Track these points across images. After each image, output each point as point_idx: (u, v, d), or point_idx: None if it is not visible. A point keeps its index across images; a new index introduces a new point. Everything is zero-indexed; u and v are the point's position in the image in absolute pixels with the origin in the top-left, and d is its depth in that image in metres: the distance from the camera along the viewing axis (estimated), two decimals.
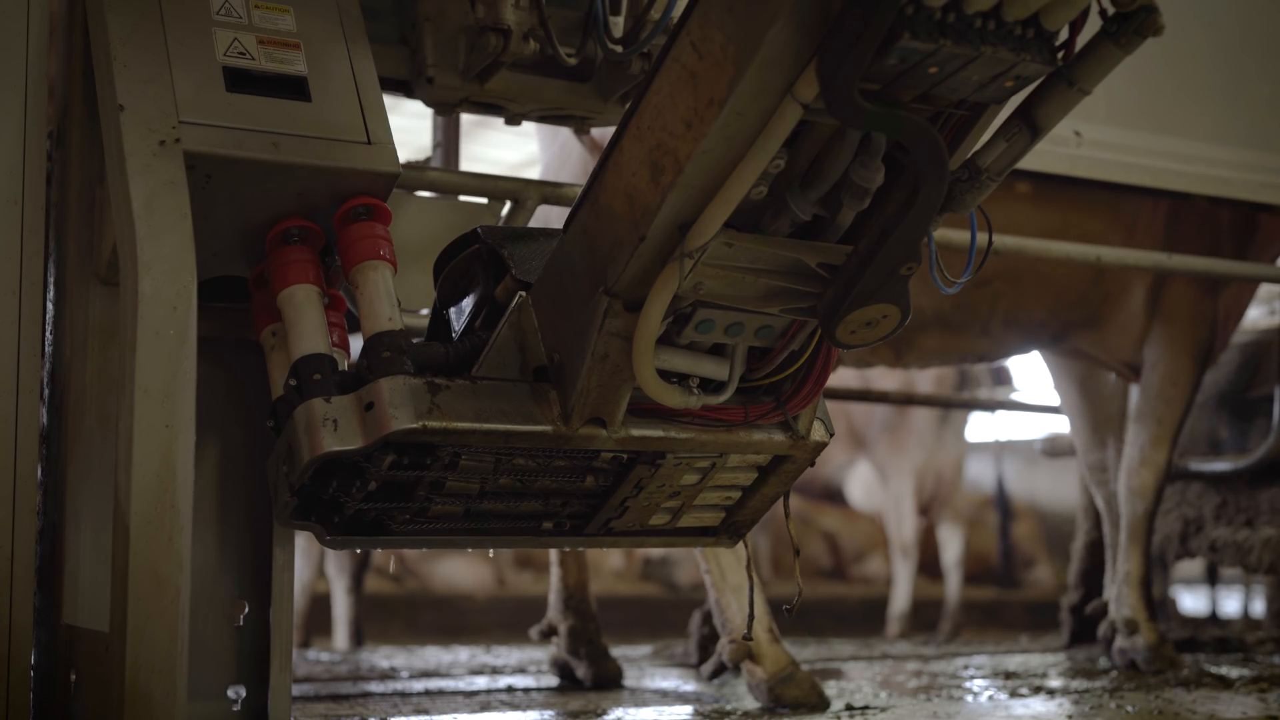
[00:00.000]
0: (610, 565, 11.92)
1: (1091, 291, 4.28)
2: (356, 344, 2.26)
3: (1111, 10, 1.81)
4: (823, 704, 3.40)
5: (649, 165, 1.94)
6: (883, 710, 3.35)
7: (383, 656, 5.16)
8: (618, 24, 2.73)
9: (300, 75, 2.32)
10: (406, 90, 2.79)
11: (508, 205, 2.95)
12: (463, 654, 5.22)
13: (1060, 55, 1.80)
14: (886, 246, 1.89)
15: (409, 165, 2.84)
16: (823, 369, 2.20)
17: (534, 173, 4.29)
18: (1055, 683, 4.03)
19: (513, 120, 2.95)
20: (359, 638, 6.31)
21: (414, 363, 2.11)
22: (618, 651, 4.94)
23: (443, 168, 3.20)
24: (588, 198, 2.06)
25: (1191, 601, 11.67)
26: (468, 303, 2.32)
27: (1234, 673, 4.27)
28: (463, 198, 2.95)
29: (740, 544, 2.48)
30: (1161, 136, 3.67)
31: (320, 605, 8.32)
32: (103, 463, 2.40)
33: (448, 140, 3.62)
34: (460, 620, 11.11)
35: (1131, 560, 4.45)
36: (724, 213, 1.90)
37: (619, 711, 3.37)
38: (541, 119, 2.95)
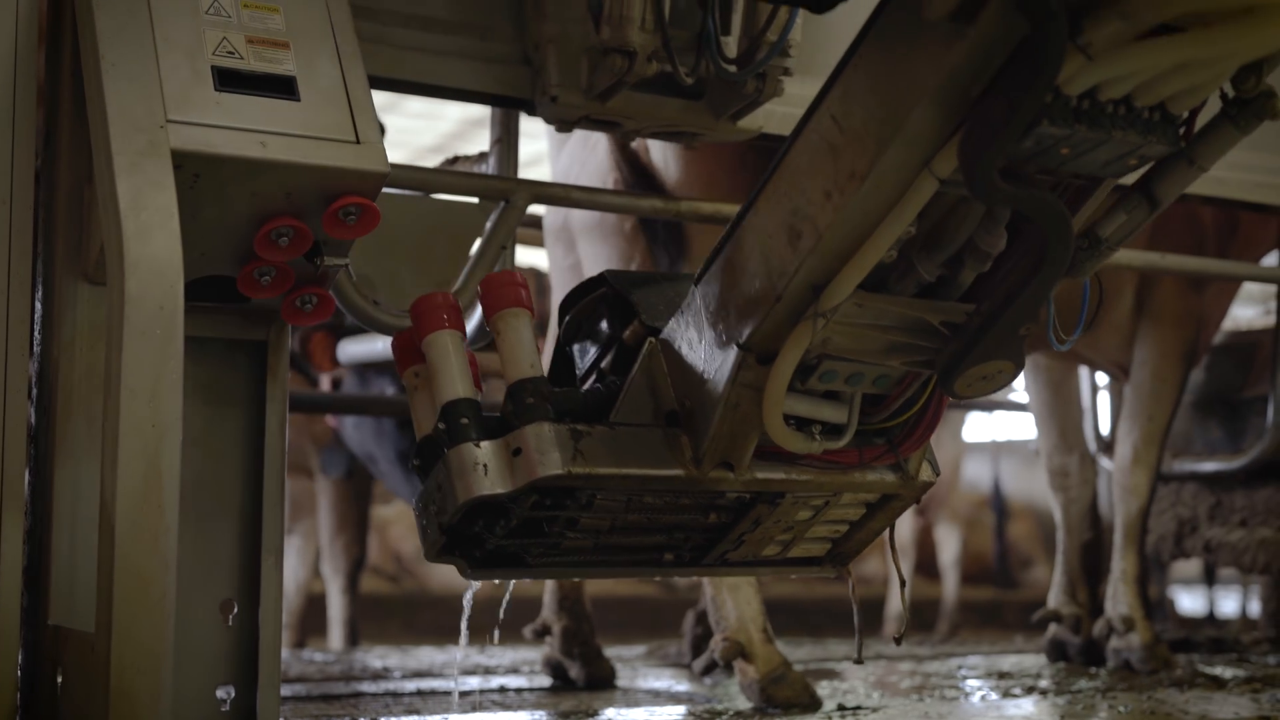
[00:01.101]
0: None
1: (1081, 289, 4.25)
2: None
3: (1232, 94, 1.92)
4: (815, 704, 3.40)
5: (786, 230, 2.08)
6: (874, 710, 3.34)
7: (376, 656, 5.16)
8: (727, 43, 2.85)
9: (289, 75, 2.31)
10: (529, 108, 2.94)
11: (501, 205, 2.94)
12: (456, 654, 5.21)
13: (1181, 135, 1.93)
14: (1009, 310, 2.05)
15: (398, 165, 2.83)
16: (934, 416, 2.34)
17: (543, 171, 4.26)
18: (1047, 683, 4.03)
19: (627, 136, 3.10)
20: (354, 637, 6.31)
21: (554, 408, 2.22)
22: (612, 652, 4.94)
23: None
24: (721, 254, 2.21)
25: (1190, 601, 11.68)
26: (593, 343, 2.45)
27: (1228, 673, 4.27)
28: (454, 197, 2.95)
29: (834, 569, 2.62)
30: None
31: (317, 605, 8.33)
32: (90, 463, 2.40)
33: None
34: (458, 620, 11.12)
35: (1127, 559, 4.45)
36: (858, 277, 2.03)
37: (610, 711, 3.37)
38: (654, 135, 3.08)
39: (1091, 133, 1.85)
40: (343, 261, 2.35)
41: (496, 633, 2.98)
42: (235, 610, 2.52)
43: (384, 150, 2.33)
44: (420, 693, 3.73)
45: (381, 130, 2.48)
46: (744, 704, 3.46)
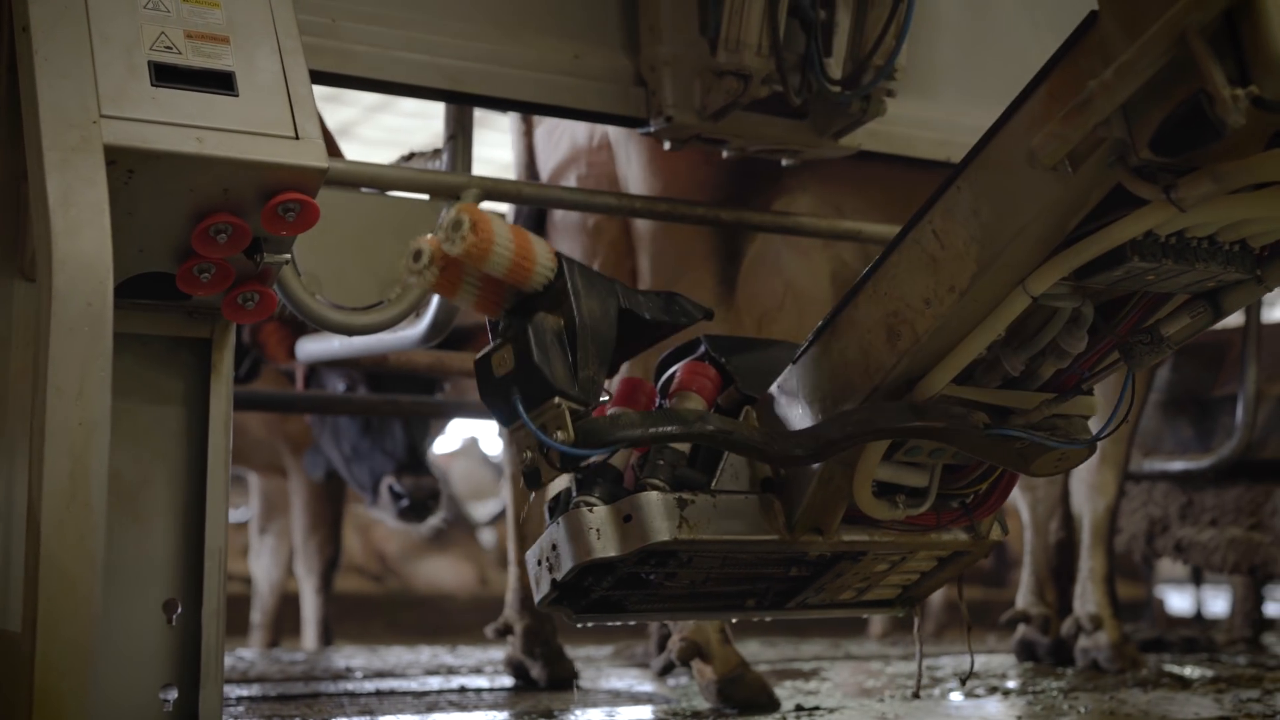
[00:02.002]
0: None
1: None
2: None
3: None
4: (772, 704, 3.38)
5: (885, 328, 2.28)
6: (830, 711, 3.33)
7: (346, 656, 5.14)
8: (829, 64, 3.00)
9: (228, 70, 2.29)
10: (643, 126, 3.08)
11: (449, 202, 2.92)
12: (425, 654, 5.19)
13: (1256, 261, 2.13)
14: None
15: (346, 161, 2.82)
16: (1008, 484, 2.56)
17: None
18: (1014, 683, 4.01)
19: (734, 152, 3.23)
20: (328, 637, 6.28)
21: (666, 477, 2.40)
22: (582, 652, 4.93)
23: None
24: (820, 339, 2.39)
25: (1180, 601, 11.67)
26: None
27: (1196, 673, 4.25)
28: (403, 194, 2.93)
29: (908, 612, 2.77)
30: None
31: (294, 605, 8.30)
32: (25, 461, 2.38)
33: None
34: (442, 620, 11.08)
35: (1095, 558, 4.44)
36: (951, 375, 2.25)
37: (566, 712, 3.35)
38: (759, 152, 3.22)
39: (1177, 265, 2.05)
40: (283, 258, 2.33)
41: None
42: (179, 610, 2.50)
43: (324, 146, 2.31)
44: (379, 693, 3.70)
45: (322, 127, 2.47)
46: (704, 704, 3.44)
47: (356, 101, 12.48)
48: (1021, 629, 4.65)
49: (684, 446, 2.45)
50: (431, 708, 3.40)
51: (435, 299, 3.06)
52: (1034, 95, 2.09)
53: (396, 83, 2.85)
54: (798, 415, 2.43)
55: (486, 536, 12.38)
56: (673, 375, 2.53)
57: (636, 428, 2.25)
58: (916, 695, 3.15)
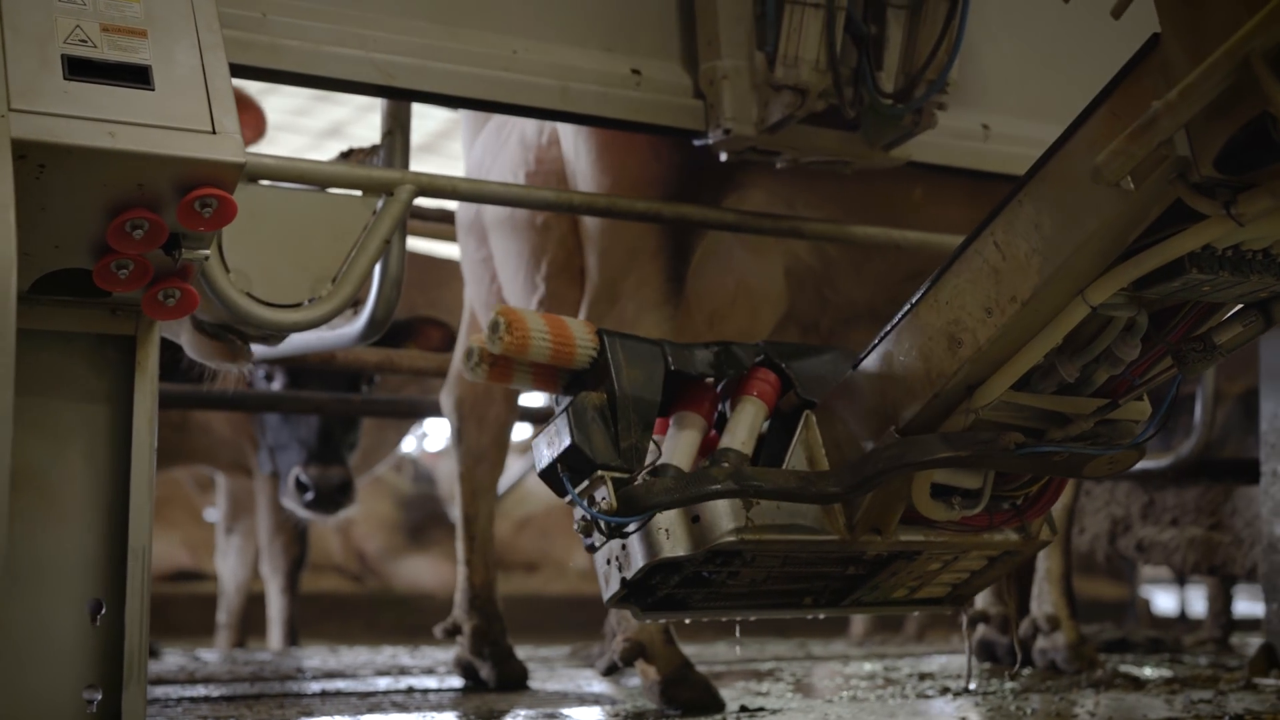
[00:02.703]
0: (575, 565, 11.84)
1: None
2: None
3: None
4: (716, 705, 3.35)
5: (947, 336, 2.40)
6: (773, 713, 3.30)
7: (308, 657, 5.11)
8: (881, 78, 3.13)
9: (144, 64, 2.27)
10: (701, 138, 3.18)
11: (382, 198, 2.89)
12: (385, 654, 5.16)
13: None
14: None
15: (276, 157, 2.79)
16: (1059, 487, 2.71)
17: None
18: (970, 684, 3.99)
19: (787, 163, 3.32)
20: (293, 637, 6.24)
21: (735, 480, 2.50)
22: (542, 652, 4.90)
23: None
24: (880, 346, 2.53)
25: (1165, 602, 11.65)
26: None
27: (1156, 674, 4.23)
28: (334, 190, 2.90)
29: None
30: None
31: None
32: None
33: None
34: (422, 620, 11.03)
35: (1051, 557, 4.40)
36: (1010, 381, 2.36)
37: (509, 713, 3.32)
38: (811, 164, 3.32)
39: (1233, 277, 2.15)
40: (202, 255, 2.31)
41: None
42: (104, 610, 2.47)
43: (241, 141, 2.28)
44: (323, 694, 3.67)
45: (260, 121, 2.44)
46: (651, 705, 3.41)
47: (348, 101, 12.46)
48: (981, 629, 4.62)
49: (746, 447, 2.64)
50: (373, 708, 3.37)
51: (373, 297, 3.04)
52: (1096, 113, 2.19)
53: (329, 78, 2.83)
54: (857, 420, 2.58)
55: None
56: (736, 379, 2.69)
57: (673, 492, 2.42)
58: (967, 690, 3.44)
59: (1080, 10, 3.37)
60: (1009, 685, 3.91)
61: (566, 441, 2.50)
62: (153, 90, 2.26)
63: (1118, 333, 2.32)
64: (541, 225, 3.53)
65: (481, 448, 3.94)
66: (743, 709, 3.34)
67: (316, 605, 9.93)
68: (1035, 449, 2.47)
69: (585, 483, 2.52)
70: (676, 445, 2.66)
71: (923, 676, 4.18)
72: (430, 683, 3.98)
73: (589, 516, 2.50)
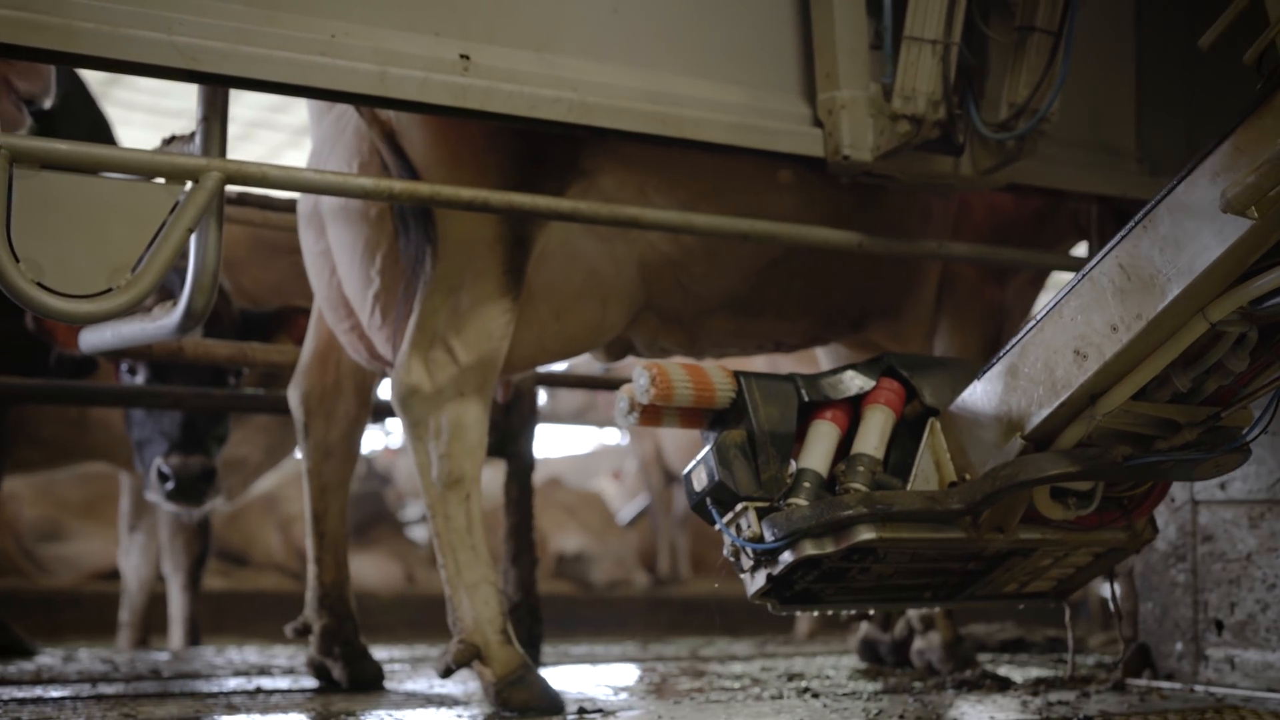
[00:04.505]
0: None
1: (891, 277, 4.11)
2: None
3: None
4: (554, 708, 3.27)
5: (1073, 351, 2.71)
6: (611, 714, 3.22)
7: (193, 656, 5.02)
8: (986, 106, 3.38)
9: None
10: (821, 165, 3.40)
11: (188, 185, 2.81)
12: (284, 654, 5.08)
13: None
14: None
15: (69, 144, 2.70)
16: (1164, 489, 3.05)
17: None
18: (832, 683, 3.92)
19: (896, 186, 3.55)
20: (195, 636, 6.15)
21: (873, 482, 2.90)
22: (418, 651, 4.82)
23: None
24: (1004, 359, 2.84)
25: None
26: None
27: (1032, 674, 4.16)
28: (135, 178, 2.81)
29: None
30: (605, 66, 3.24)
31: (209, 602, 8.13)
32: None
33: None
34: (364, 619, 10.94)
35: None
36: (1131, 392, 2.66)
37: (346, 714, 3.23)
38: (919, 187, 3.58)
39: None
40: None
41: None
42: None
43: None
44: (163, 695, 3.58)
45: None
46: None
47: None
48: (864, 628, 4.56)
49: (878, 451, 2.94)
50: (199, 710, 3.28)
51: (188, 288, 2.95)
52: (1221, 146, 2.45)
53: (128, 62, 2.73)
54: (982, 427, 2.87)
55: (418, 533, 12.26)
56: (864, 391, 3.01)
57: (810, 519, 2.77)
58: (1072, 677, 3.75)
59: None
60: (871, 687, 3.84)
61: (713, 478, 2.85)
62: None
63: (1229, 346, 2.61)
64: (375, 217, 3.44)
65: (330, 443, 3.85)
66: (581, 710, 3.27)
67: (256, 603, 9.83)
68: (1144, 460, 2.78)
69: (731, 514, 2.87)
70: (813, 450, 2.95)
71: (791, 677, 4.10)
72: (284, 683, 3.89)
73: (737, 544, 2.85)
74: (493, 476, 8.98)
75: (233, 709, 3.32)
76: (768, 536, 2.81)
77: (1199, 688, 3.78)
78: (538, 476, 4.93)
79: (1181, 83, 4.05)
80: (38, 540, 9.31)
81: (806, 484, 2.88)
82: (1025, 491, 2.81)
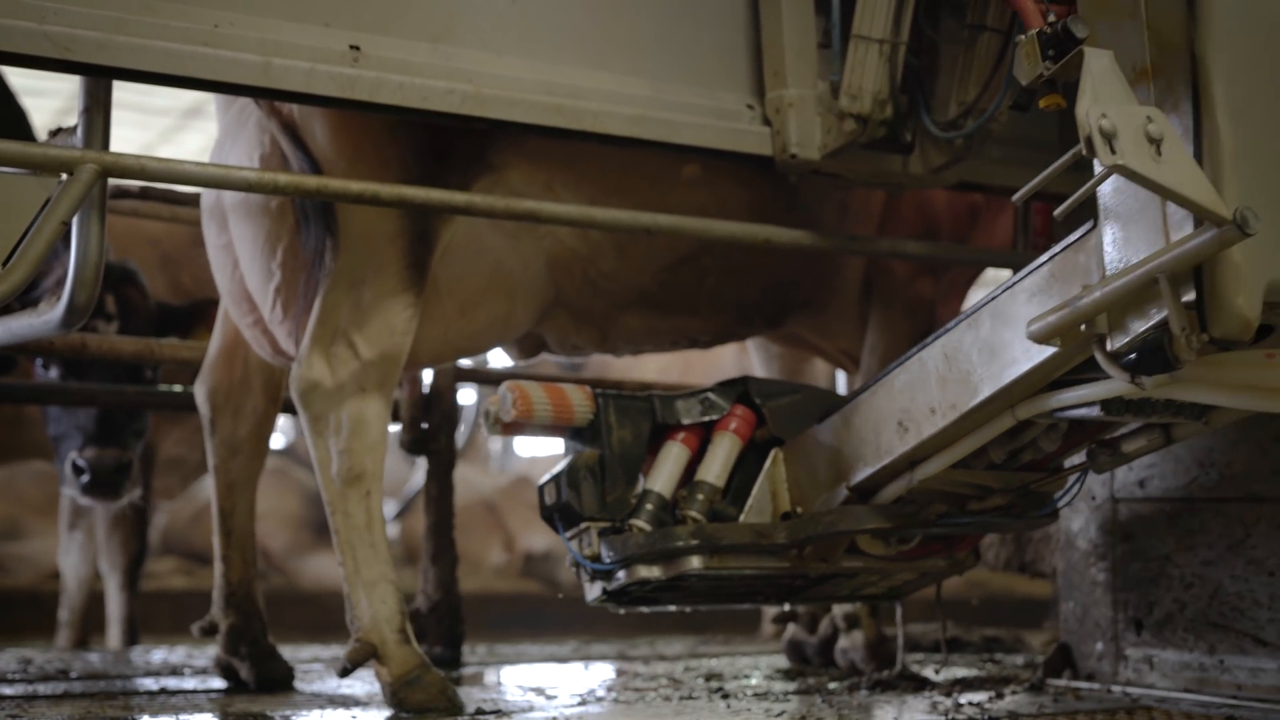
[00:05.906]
0: (490, 562, 11.71)
1: (807, 272, 4.07)
2: None
3: None
4: (453, 709, 3.22)
5: (896, 422, 2.96)
6: (507, 715, 3.18)
7: (141, 655, 4.96)
8: (935, 106, 3.41)
9: None
10: (769, 164, 3.44)
11: (62, 178, 2.76)
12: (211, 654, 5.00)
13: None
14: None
15: None
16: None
17: None
18: (749, 684, 3.87)
19: (844, 185, 3.68)
20: (133, 635, 6.09)
21: (707, 511, 3.16)
22: (328, 651, 4.77)
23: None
24: (842, 411, 3.10)
25: None
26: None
27: (956, 674, 4.12)
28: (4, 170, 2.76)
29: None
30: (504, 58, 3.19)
31: (152, 601, 8.08)
32: None
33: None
34: (326, 618, 10.84)
35: None
36: (948, 463, 2.93)
37: (242, 716, 3.19)
38: (868, 184, 3.67)
39: (1135, 418, 2.83)
40: None
41: None
42: None
43: None
44: (64, 695, 3.53)
45: None
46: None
47: None
48: (790, 629, 4.51)
49: (720, 480, 3.18)
50: (92, 711, 3.22)
51: (70, 283, 2.90)
52: (1040, 270, 2.65)
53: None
54: (817, 467, 3.13)
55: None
56: (715, 417, 3.23)
57: (644, 547, 3.04)
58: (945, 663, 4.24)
59: None
60: (786, 688, 3.80)
61: (560, 497, 3.09)
62: None
63: (1042, 430, 2.88)
64: (276, 210, 3.39)
65: (238, 440, 3.80)
66: (479, 711, 3.22)
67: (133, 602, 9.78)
68: (954, 520, 3.08)
69: (575, 530, 3.10)
70: (660, 472, 3.18)
71: (710, 678, 4.06)
72: (190, 684, 3.84)
73: (577, 560, 3.11)
74: (464, 473, 8.92)
75: (129, 709, 3.27)
76: (605, 557, 3.05)
77: (1117, 688, 3.74)
78: (506, 476, 4.91)
79: None
80: None
81: (649, 506, 3.11)
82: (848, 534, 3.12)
